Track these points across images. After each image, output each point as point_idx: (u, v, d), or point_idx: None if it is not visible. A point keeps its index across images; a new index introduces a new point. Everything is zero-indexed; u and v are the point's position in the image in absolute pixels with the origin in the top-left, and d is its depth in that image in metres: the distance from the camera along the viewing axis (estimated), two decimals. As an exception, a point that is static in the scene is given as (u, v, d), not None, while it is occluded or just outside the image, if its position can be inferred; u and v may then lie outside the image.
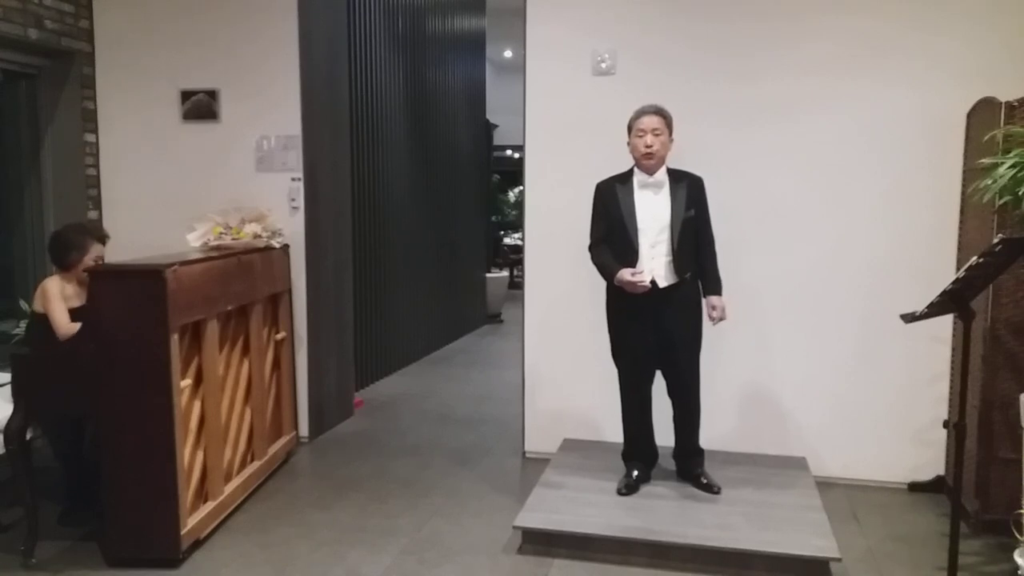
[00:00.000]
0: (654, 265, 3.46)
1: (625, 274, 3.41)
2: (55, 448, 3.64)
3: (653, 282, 3.44)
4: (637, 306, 3.47)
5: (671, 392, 3.64)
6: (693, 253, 3.51)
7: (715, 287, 3.55)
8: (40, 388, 3.17)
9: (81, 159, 4.64)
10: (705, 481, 3.62)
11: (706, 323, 3.58)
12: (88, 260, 3.48)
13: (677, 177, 3.53)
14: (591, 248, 3.61)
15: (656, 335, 3.51)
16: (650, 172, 3.50)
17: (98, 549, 3.30)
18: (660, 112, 3.49)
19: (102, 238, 3.65)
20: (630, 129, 3.52)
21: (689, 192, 3.50)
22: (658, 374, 3.65)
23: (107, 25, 4.67)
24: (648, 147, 3.44)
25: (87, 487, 3.52)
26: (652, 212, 3.48)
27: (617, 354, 3.65)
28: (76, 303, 3.44)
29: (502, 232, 12.06)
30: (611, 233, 3.53)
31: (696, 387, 3.63)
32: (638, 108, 3.52)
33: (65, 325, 3.32)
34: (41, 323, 3.38)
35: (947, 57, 3.81)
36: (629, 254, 3.47)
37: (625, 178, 3.57)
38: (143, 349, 3.11)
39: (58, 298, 3.37)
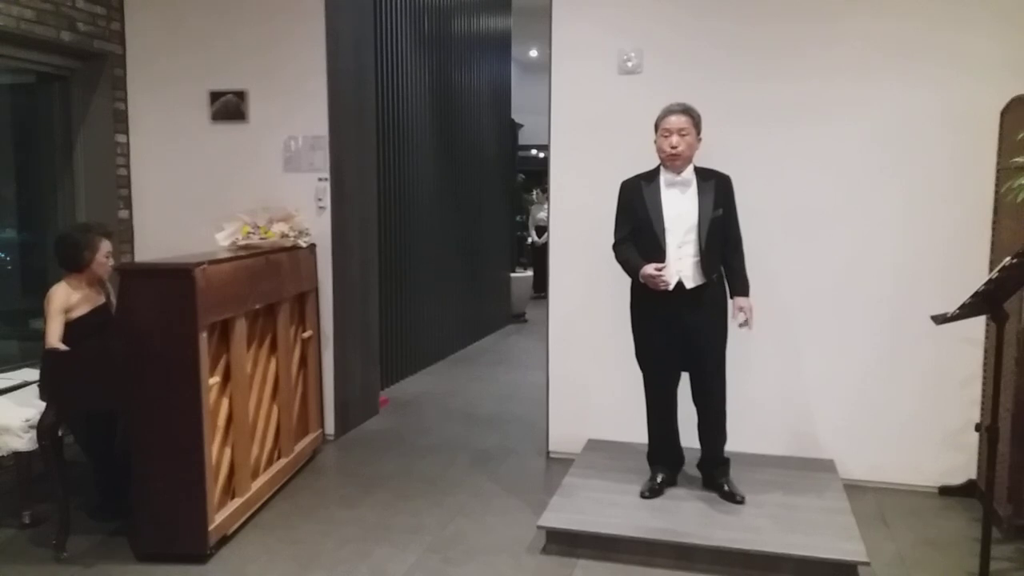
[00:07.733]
0: (681, 265, 3.41)
1: (649, 268, 3.35)
2: (82, 445, 3.70)
3: (680, 283, 3.41)
4: (662, 307, 3.43)
5: (696, 398, 3.58)
6: (720, 253, 3.47)
7: (743, 288, 3.49)
8: (72, 385, 3.22)
9: (112, 159, 4.71)
10: (728, 489, 3.54)
11: (731, 325, 3.55)
12: (101, 257, 3.46)
13: (705, 176, 3.47)
14: (615, 246, 3.57)
15: (682, 336, 3.46)
16: (676, 171, 3.46)
17: (128, 544, 3.35)
18: (687, 111, 3.43)
19: (108, 233, 3.59)
20: (656, 127, 3.47)
21: (717, 191, 3.44)
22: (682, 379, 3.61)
23: (138, 27, 4.74)
24: (673, 147, 3.39)
25: (117, 483, 3.56)
26: (679, 211, 3.43)
27: (642, 355, 3.61)
28: (86, 308, 3.45)
29: (526, 232, 12.06)
30: (637, 233, 3.49)
31: (722, 392, 3.57)
32: (665, 107, 3.47)
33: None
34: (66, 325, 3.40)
35: (978, 56, 3.75)
36: (656, 254, 3.41)
37: (651, 176, 3.52)
38: (173, 346, 3.14)
39: (58, 312, 3.35)
